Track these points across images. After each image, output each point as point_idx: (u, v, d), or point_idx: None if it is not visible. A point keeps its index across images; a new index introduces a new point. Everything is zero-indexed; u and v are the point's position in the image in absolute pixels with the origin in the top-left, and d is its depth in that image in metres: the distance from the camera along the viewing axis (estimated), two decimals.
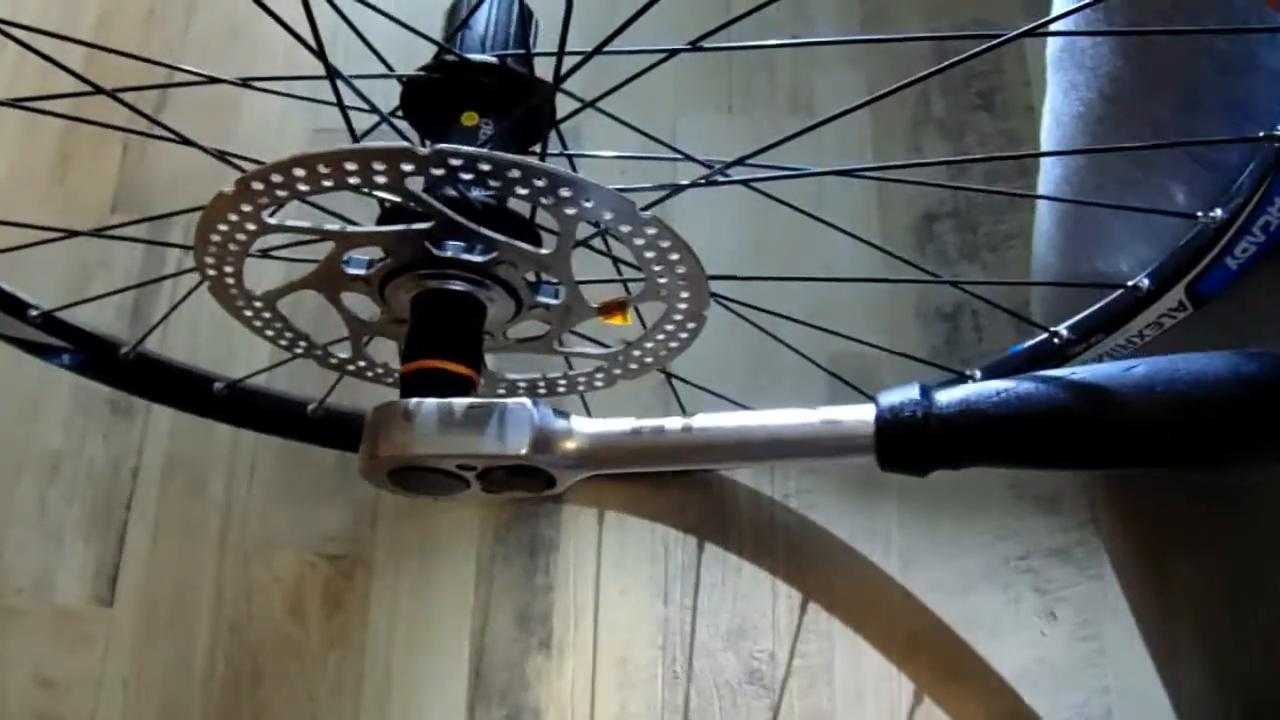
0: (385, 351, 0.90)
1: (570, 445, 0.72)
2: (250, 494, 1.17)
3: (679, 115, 1.30)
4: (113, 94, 0.73)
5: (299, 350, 0.88)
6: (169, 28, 1.41)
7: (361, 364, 0.90)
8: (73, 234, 0.92)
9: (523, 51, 0.80)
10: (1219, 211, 0.79)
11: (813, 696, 1.07)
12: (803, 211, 0.86)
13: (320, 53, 0.67)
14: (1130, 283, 0.86)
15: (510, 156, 0.63)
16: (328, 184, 0.65)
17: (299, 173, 0.65)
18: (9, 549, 1.15)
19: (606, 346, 0.86)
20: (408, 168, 0.64)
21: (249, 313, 0.82)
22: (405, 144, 0.62)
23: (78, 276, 1.25)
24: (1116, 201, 0.87)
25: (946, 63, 0.65)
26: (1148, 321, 0.88)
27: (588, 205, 0.66)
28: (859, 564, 1.12)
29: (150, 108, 1.28)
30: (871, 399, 0.73)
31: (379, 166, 0.64)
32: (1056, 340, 0.93)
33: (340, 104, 0.72)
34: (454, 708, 1.08)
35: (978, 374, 0.97)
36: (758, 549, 1.13)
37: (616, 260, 0.86)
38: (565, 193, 0.65)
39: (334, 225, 0.71)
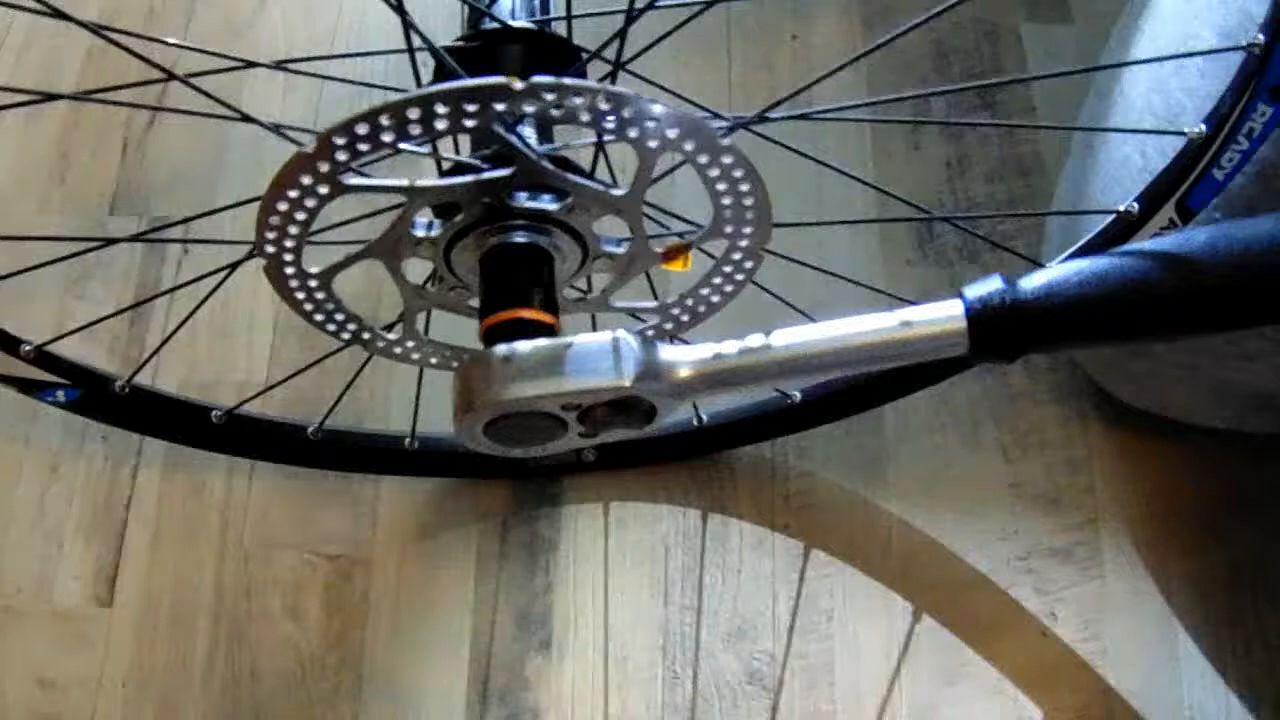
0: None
1: (674, 373, 0.70)
2: (250, 494, 1.16)
3: None
4: (185, 80, 0.72)
5: (346, 336, 0.85)
6: (169, 28, 1.41)
7: (410, 344, 0.88)
8: (110, 241, 0.92)
9: (563, 15, 0.80)
10: (1204, 126, 0.81)
11: (813, 696, 1.08)
12: (821, 162, 0.88)
13: (399, 6, 0.68)
14: (1121, 208, 0.86)
15: (599, 85, 0.63)
16: (415, 130, 0.64)
17: (385, 121, 0.63)
18: (9, 549, 1.14)
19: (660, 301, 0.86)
20: (500, 107, 0.63)
21: (301, 295, 0.79)
22: (499, 79, 0.62)
23: (77, 277, 1.24)
24: None
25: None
26: None
27: (671, 135, 0.66)
28: (859, 564, 1.13)
29: (152, 99, 1.29)
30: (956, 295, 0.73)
31: (470, 108, 0.62)
32: None
33: (410, 49, 0.71)
34: (454, 708, 1.08)
35: None
36: (758, 549, 1.14)
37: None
38: (650, 123, 0.65)
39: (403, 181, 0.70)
